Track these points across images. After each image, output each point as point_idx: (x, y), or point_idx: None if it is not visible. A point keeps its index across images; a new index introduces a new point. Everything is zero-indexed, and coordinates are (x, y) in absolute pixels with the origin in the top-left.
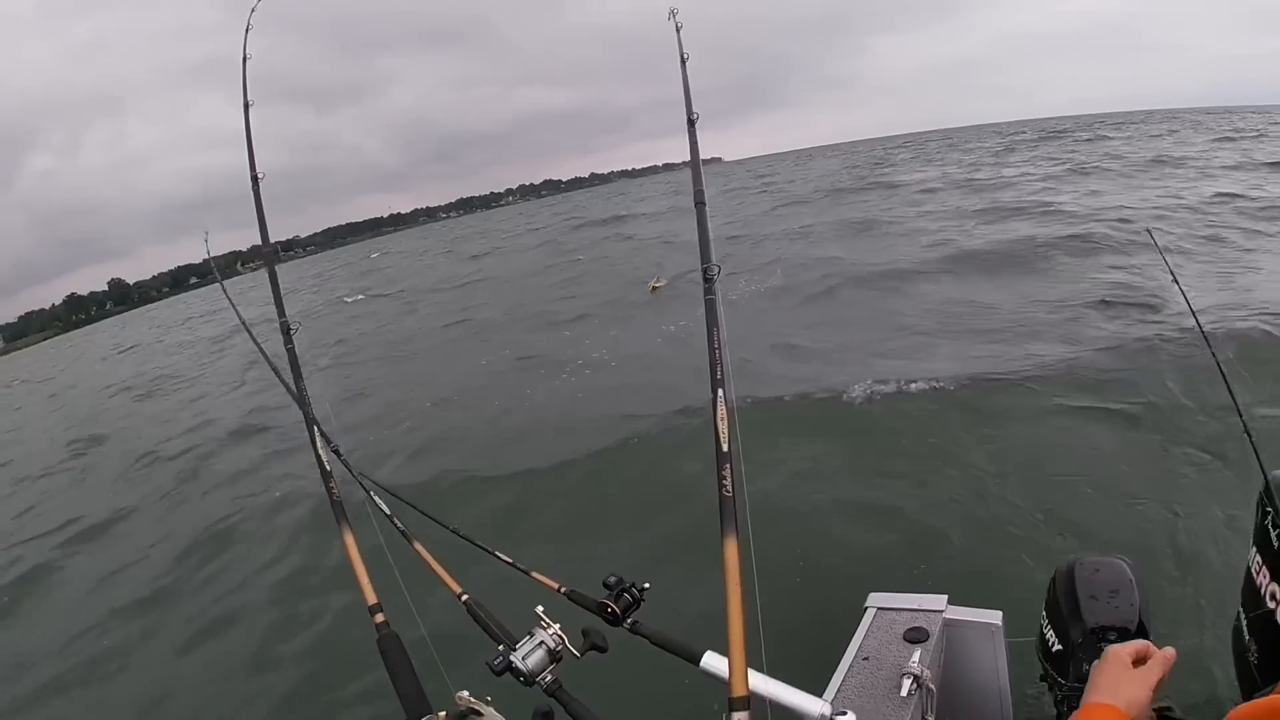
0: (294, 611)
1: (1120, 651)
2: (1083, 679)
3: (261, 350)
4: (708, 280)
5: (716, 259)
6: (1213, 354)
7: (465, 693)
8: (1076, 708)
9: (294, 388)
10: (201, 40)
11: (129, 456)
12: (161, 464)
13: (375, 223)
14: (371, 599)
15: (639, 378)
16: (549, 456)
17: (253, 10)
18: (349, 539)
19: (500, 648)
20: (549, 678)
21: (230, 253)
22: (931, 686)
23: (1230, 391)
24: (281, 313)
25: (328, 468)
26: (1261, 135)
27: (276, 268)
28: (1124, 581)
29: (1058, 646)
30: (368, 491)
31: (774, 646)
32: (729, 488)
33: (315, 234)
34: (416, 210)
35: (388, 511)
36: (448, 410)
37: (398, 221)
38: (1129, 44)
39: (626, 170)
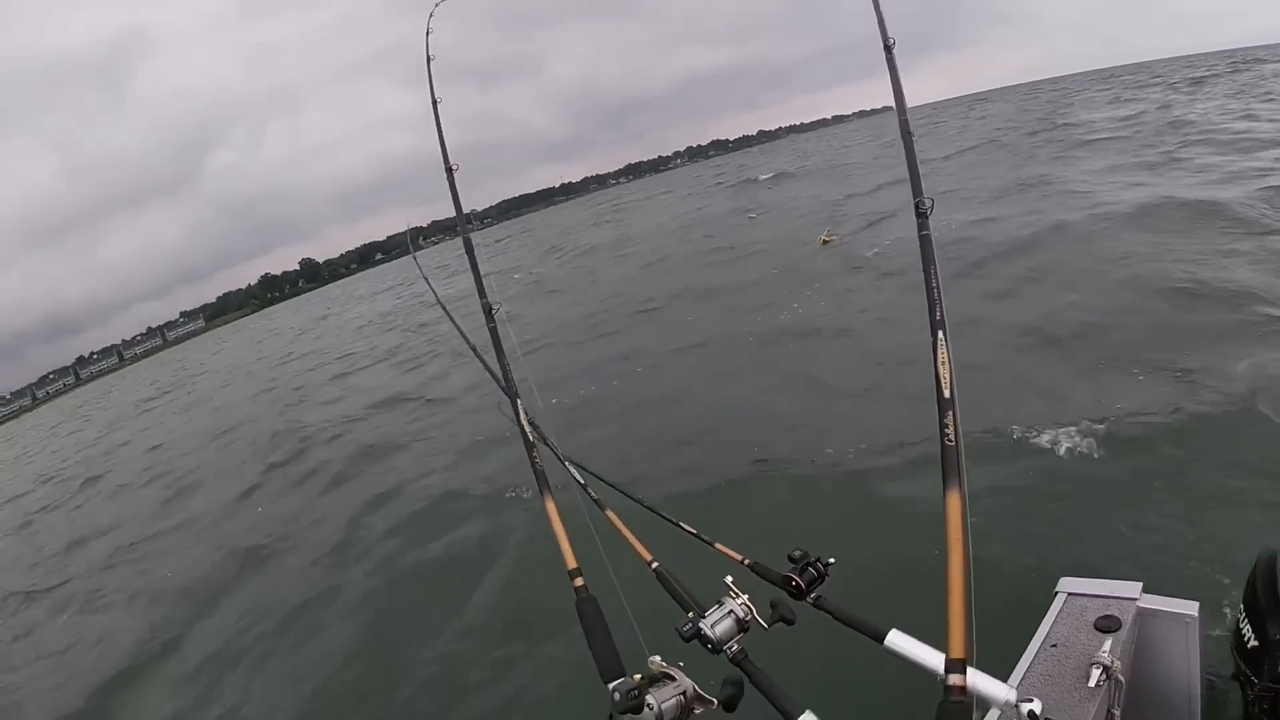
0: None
1: None
2: (1277, 679)
3: (460, 331)
4: (921, 215)
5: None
6: None
7: (658, 657)
8: (1270, 710)
9: (495, 367)
10: (366, 31)
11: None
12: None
13: (547, 193)
14: (571, 563)
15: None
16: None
17: (431, 15)
18: (550, 505)
19: (690, 614)
20: (735, 647)
21: (412, 229)
22: (1121, 678)
23: None
24: (483, 293)
25: (531, 439)
26: None
27: (463, 240)
28: None
29: (1254, 643)
30: (563, 461)
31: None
32: (951, 436)
33: (490, 207)
34: (587, 179)
35: (581, 480)
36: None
37: (569, 190)
38: None
39: (794, 125)
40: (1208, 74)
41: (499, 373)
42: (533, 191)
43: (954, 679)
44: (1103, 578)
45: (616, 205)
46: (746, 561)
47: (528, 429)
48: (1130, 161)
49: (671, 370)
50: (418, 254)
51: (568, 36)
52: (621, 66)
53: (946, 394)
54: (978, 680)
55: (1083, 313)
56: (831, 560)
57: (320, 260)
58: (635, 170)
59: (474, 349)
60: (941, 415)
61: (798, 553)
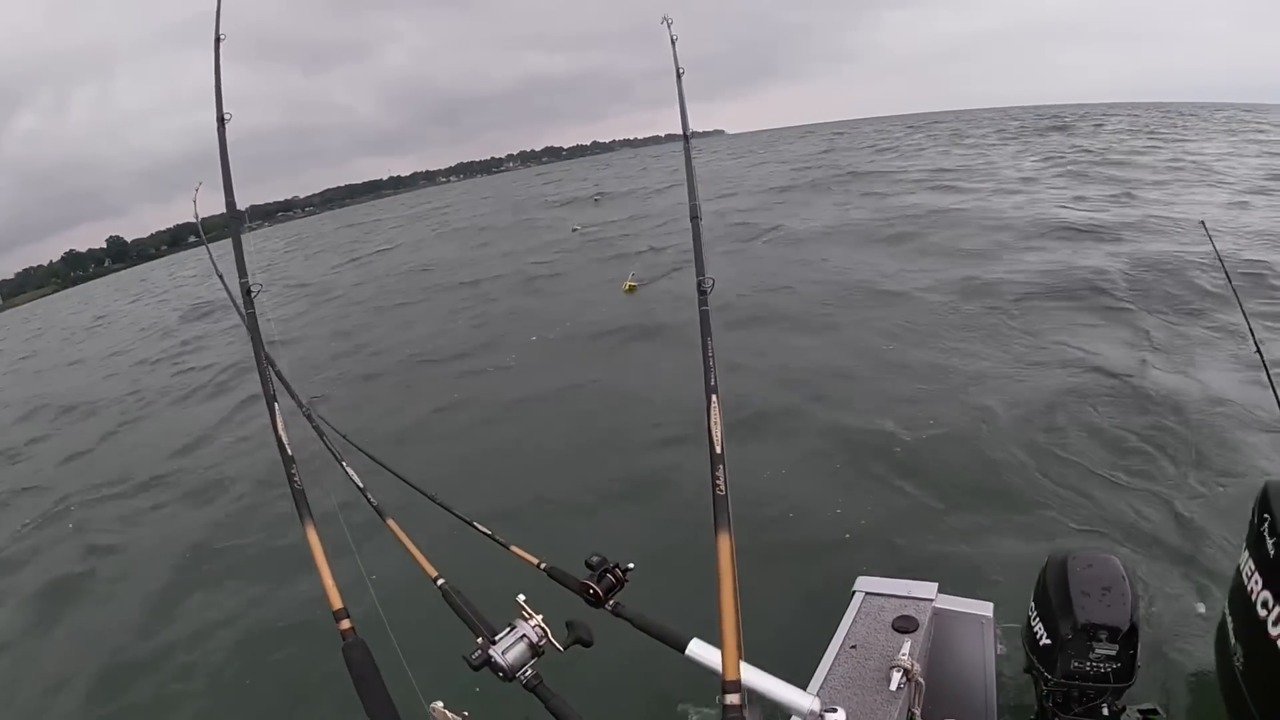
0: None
1: None
2: (1069, 675)
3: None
4: (702, 292)
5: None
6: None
7: (440, 704)
8: (1061, 704)
9: (258, 356)
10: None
11: None
12: None
13: (374, 185)
14: (336, 604)
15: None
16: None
17: None
18: (313, 536)
19: (479, 640)
20: (529, 672)
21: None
22: (920, 681)
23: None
24: (243, 273)
25: (289, 451)
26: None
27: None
28: (1117, 578)
29: (1046, 640)
30: (339, 461)
31: (759, 629)
32: (721, 487)
33: (313, 195)
34: (416, 174)
35: (360, 485)
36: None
37: (397, 184)
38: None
39: (629, 139)
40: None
41: (260, 362)
42: (359, 183)
43: (730, 699)
44: (899, 578)
45: (439, 208)
46: (543, 565)
47: (284, 435)
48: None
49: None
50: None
51: (401, 22)
52: (458, 62)
53: (718, 450)
54: (781, 690)
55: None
56: (630, 565)
57: (129, 239)
58: (467, 170)
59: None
60: (713, 469)
61: (595, 558)
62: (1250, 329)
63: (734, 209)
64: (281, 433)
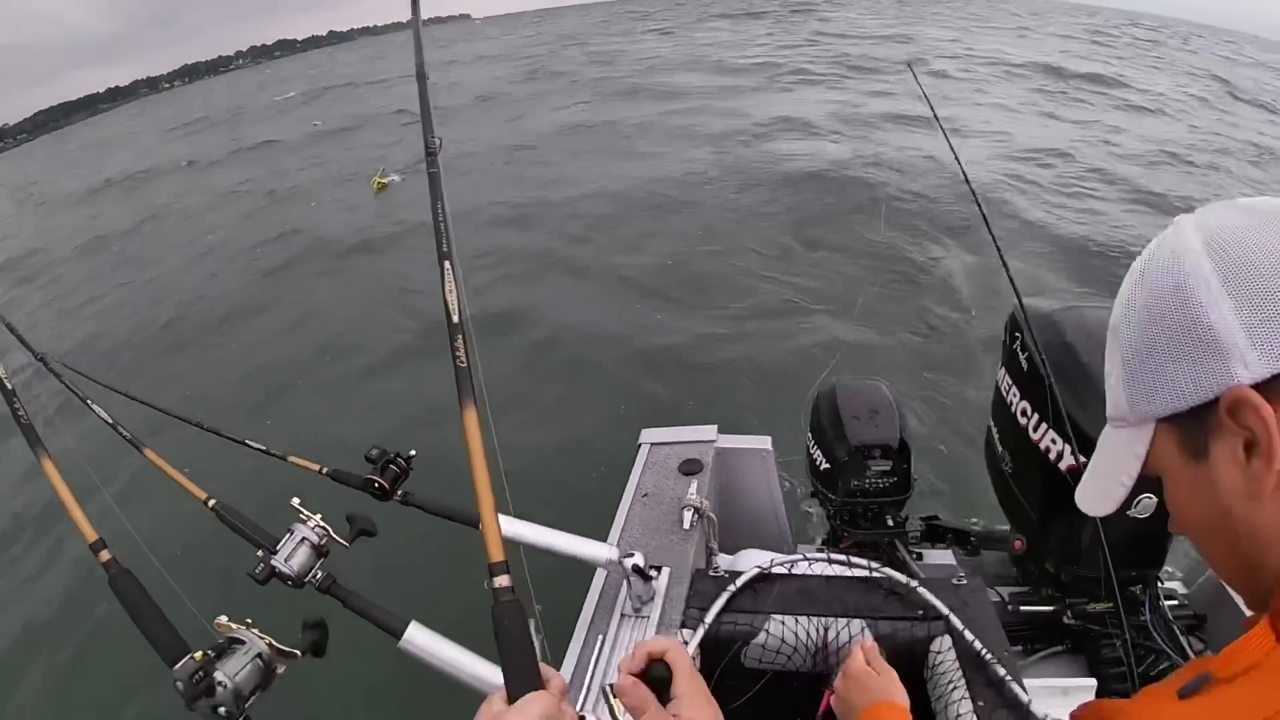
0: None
1: (857, 664)
2: (850, 493)
3: None
4: (430, 153)
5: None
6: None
7: (224, 618)
8: (849, 521)
9: None
10: None
11: None
12: None
13: (91, 100)
14: (91, 536)
15: None
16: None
17: None
18: (50, 468)
19: (259, 553)
20: (319, 574)
21: None
22: (712, 516)
23: (989, 226)
24: None
25: (9, 385)
26: None
27: None
28: (884, 402)
29: (825, 465)
30: (83, 399)
31: (559, 498)
32: (463, 359)
33: (25, 120)
34: (136, 82)
35: (110, 420)
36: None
37: (116, 96)
38: None
39: (368, 27)
40: None
41: None
42: (75, 99)
43: (499, 581)
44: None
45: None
46: (325, 470)
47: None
48: None
49: None
50: None
51: None
52: None
53: (456, 319)
54: (578, 546)
55: None
56: (413, 452)
57: None
58: (192, 72)
59: None
60: (452, 339)
61: (375, 451)
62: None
63: None
64: None
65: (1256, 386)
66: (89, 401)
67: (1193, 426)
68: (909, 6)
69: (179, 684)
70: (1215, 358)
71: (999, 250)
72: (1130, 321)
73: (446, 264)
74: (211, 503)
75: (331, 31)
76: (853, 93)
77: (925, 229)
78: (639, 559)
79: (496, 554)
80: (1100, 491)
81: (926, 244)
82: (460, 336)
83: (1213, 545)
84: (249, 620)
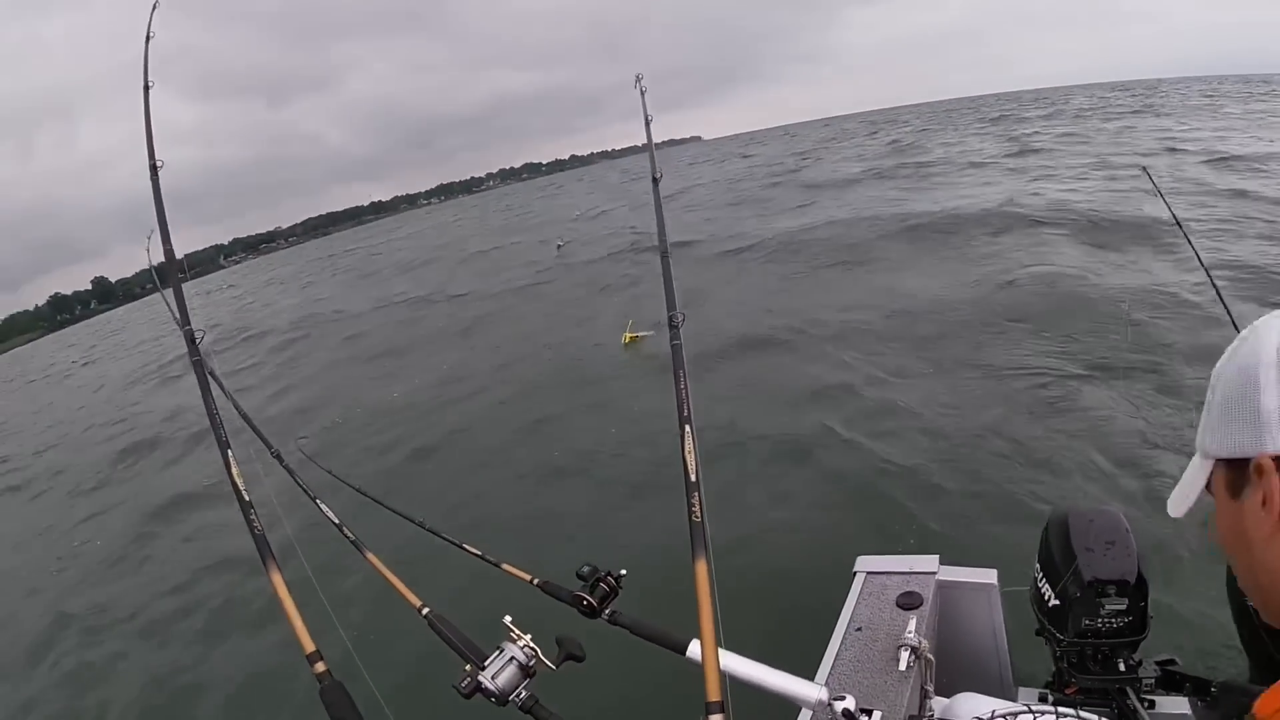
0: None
1: None
2: (1081, 634)
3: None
4: (673, 326)
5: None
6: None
7: None
8: (1077, 663)
9: (207, 403)
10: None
11: None
12: None
13: (356, 211)
14: (309, 646)
15: None
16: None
17: (154, 6)
18: (277, 578)
19: (468, 668)
20: (523, 694)
21: (211, 246)
22: (930, 657)
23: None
24: (185, 321)
25: (246, 497)
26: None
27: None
28: (1119, 531)
29: (1055, 601)
30: (313, 498)
31: (767, 626)
32: (698, 514)
33: (295, 225)
34: (397, 197)
35: (336, 521)
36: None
37: (380, 209)
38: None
39: (606, 151)
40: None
41: (209, 408)
42: (340, 210)
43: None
44: (899, 554)
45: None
46: (536, 581)
47: (239, 481)
48: None
49: None
50: (219, 273)
51: (360, 51)
52: (423, 85)
53: (693, 478)
54: (786, 683)
55: None
56: (623, 572)
57: (114, 279)
58: (447, 190)
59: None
60: (689, 495)
61: (586, 569)
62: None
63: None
64: (236, 478)
65: (1279, 458)
66: (318, 501)
67: (1236, 473)
68: None
69: None
70: (1255, 430)
71: None
72: (1217, 383)
73: (687, 428)
74: (425, 611)
75: (573, 155)
76: None
77: None
78: (850, 703)
79: (714, 694)
80: (1178, 498)
81: None
82: (696, 494)
83: (1238, 562)
84: None
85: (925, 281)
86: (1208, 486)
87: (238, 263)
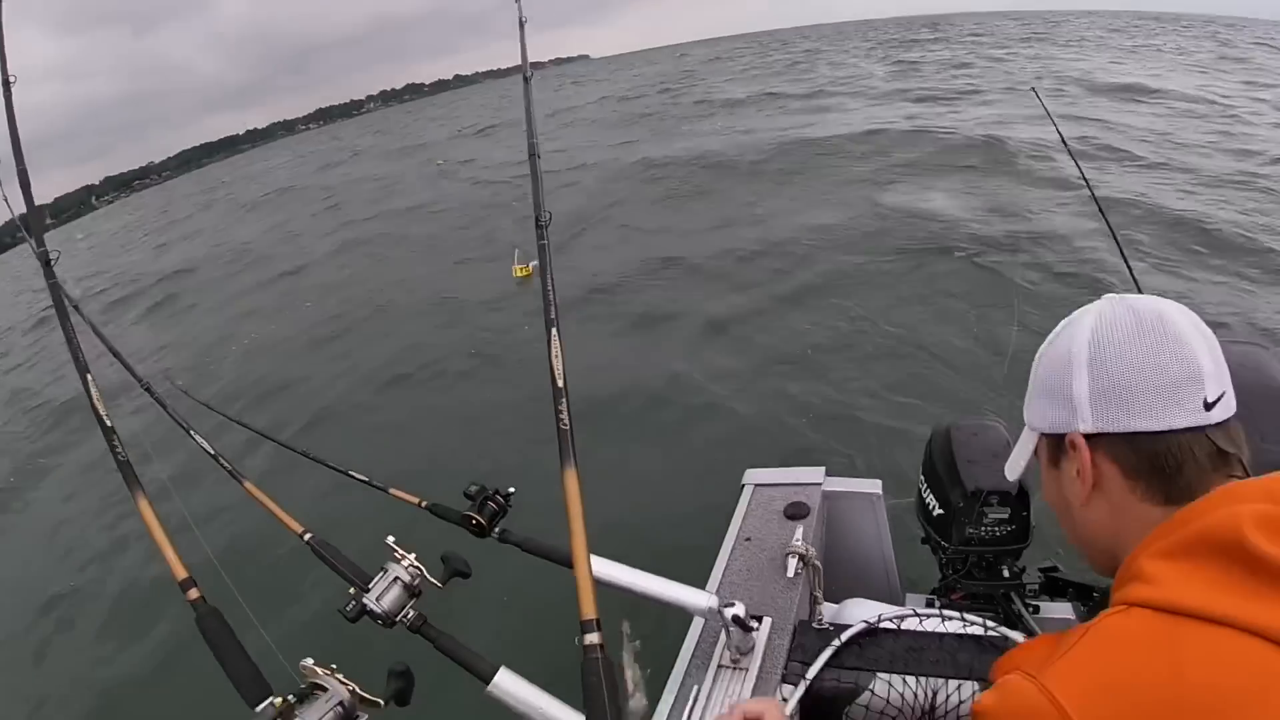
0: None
1: None
2: (966, 541)
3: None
4: (540, 226)
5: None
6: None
7: (309, 661)
8: (962, 570)
9: (66, 329)
10: None
11: None
12: None
13: (231, 141)
14: (181, 573)
15: None
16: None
17: None
18: (144, 505)
19: (351, 591)
20: (410, 614)
21: (82, 188)
22: (818, 564)
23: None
24: (40, 242)
25: (108, 423)
26: None
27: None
28: (1001, 444)
29: (939, 511)
30: (186, 429)
31: (657, 539)
32: (565, 421)
33: (169, 159)
34: (274, 124)
35: (211, 451)
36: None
37: (255, 138)
38: None
39: (492, 70)
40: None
41: (68, 335)
42: (216, 140)
43: (589, 638)
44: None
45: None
46: (424, 504)
47: (100, 406)
48: None
49: None
50: (87, 217)
51: None
52: (298, 5)
53: (560, 384)
54: (678, 592)
55: None
56: (512, 490)
57: None
58: (326, 115)
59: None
60: (556, 403)
61: (474, 488)
62: None
63: None
64: (97, 402)
65: (1088, 436)
66: (191, 431)
67: (1055, 445)
68: None
69: None
70: (1068, 410)
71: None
72: (1038, 365)
73: (554, 330)
74: (308, 537)
75: (457, 75)
76: None
77: None
78: (739, 609)
79: (588, 612)
80: (1013, 464)
81: None
82: (563, 400)
83: (1062, 522)
84: (334, 665)
85: (800, 208)
86: (1036, 454)
87: (110, 203)
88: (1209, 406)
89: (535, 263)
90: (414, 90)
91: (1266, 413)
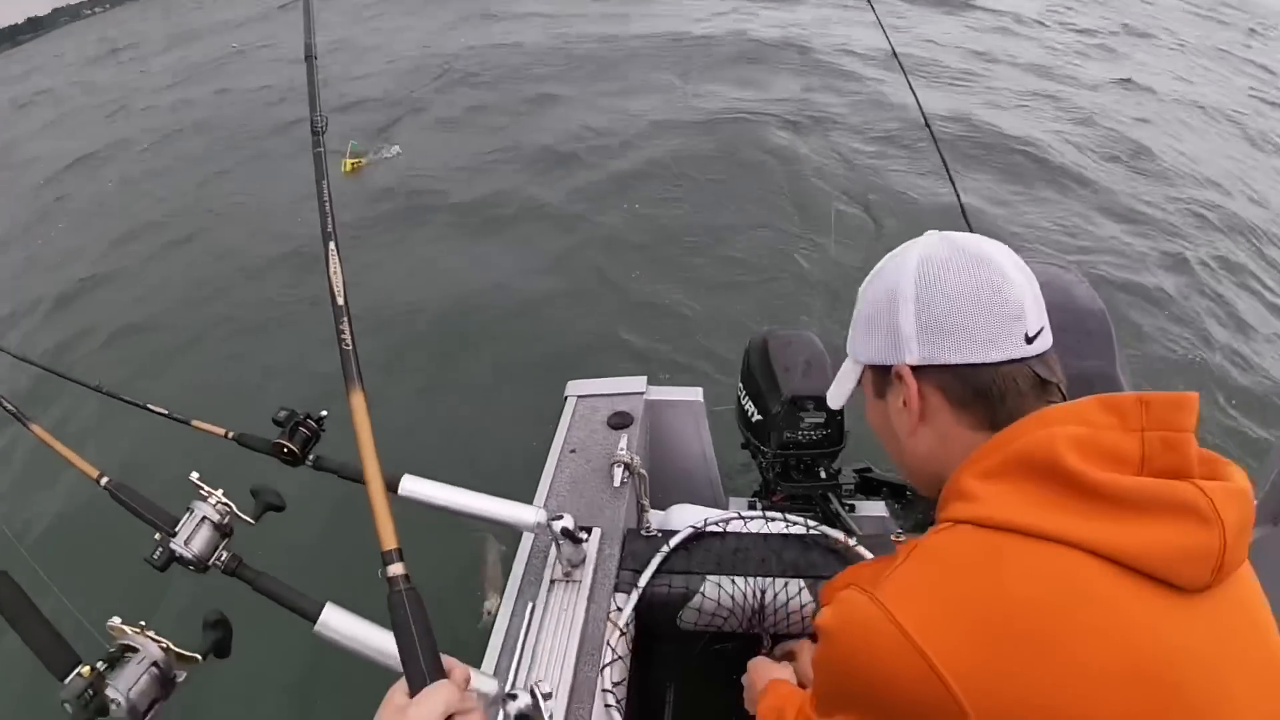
0: None
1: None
2: (784, 445)
3: None
4: (315, 133)
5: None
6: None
7: (116, 620)
8: (781, 473)
9: None
10: None
11: None
12: None
13: (11, 32)
14: None
15: None
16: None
17: None
18: None
19: (157, 536)
20: (224, 555)
21: None
22: (644, 472)
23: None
24: None
25: None
26: None
27: None
28: (815, 352)
29: (758, 417)
30: None
31: (483, 458)
32: (348, 340)
33: None
34: (56, 10)
35: None
36: None
37: (37, 26)
38: None
39: None
40: None
41: None
42: None
43: (394, 569)
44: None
45: None
46: (231, 434)
47: None
48: None
49: None
50: None
51: None
52: None
53: (340, 302)
54: (503, 509)
55: None
56: (324, 413)
57: None
58: None
59: None
60: (337, 321)
61: (283, 413)
62: None
63: None
64: None
65: (915, 368)
66: None
67: (880, 376)
68: None
69: (67, 705)
70: (894, 343)
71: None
72: (864, 297)
73: (331, 245)
74: (104, 481)
75: None
76: None
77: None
78: (568, 521)
79: (389, 542)
80: (835, 393)
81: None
82: (345, 319)
83: (889, 449)
84: (143, 623)
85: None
86: (859, 383)
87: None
88: (1029, 340)
89: (369, 156)
90: None
91: (1066, 328)
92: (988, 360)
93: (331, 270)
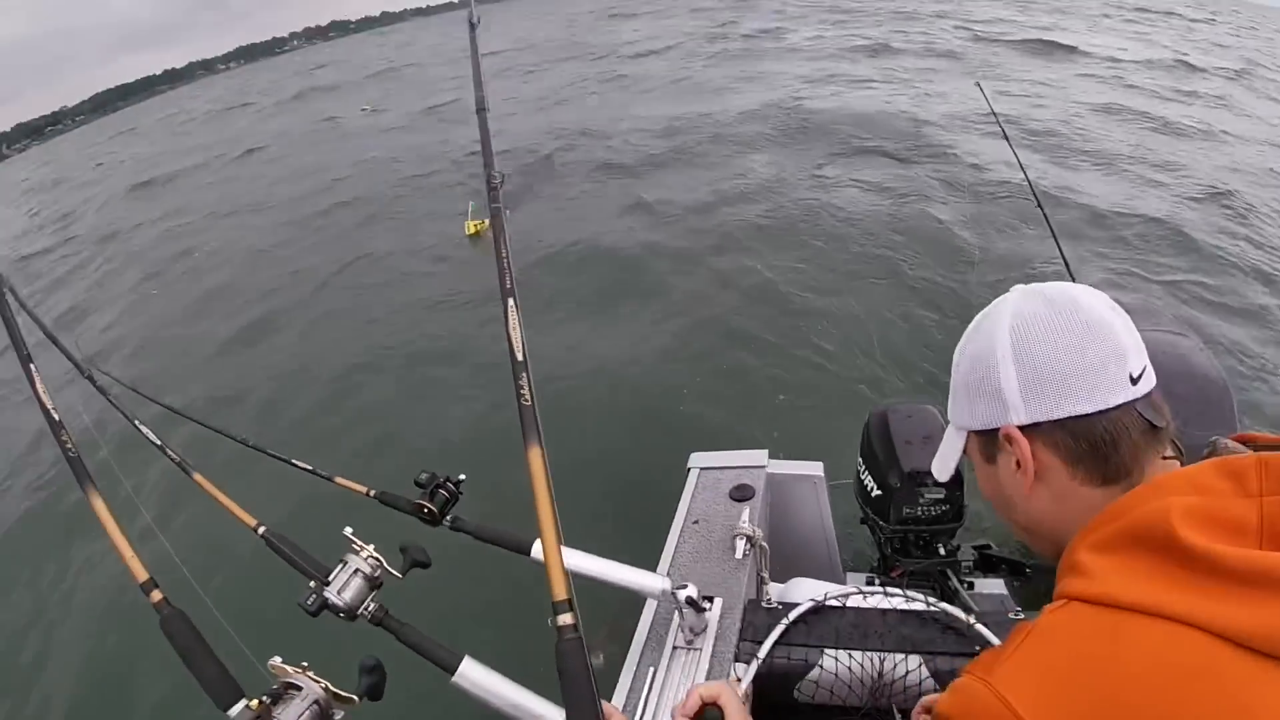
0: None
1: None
2: (903, 521)
3: None
4: (492, 189)
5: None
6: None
7: (278, 659)
8: (900, 549)
9: (3, 315)
10: None
11: None
12: None
13: (149, 82)
14: (142, 575)
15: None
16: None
17: None
18: (99, 505)
19: (312, 584)
20: (371, 606)
21: None
22: (765, 545)
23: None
24: None
25: (56, 416)
26: None
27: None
28: (936, 427)
29: (877, 491)
30: (130, 419)
31: (609, 526)
32: (527, 397)
33: (82, 102)
34: (192, 64)
35: (158, 442)
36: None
37: (174, 78)
38: None
39: (420, 8)
40: None
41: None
42: (132, 81)
43: (563, 619)
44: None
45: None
46: (372, 493)
47: (47, 399)
48: None
49: None
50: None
51: None
52: None
53: (520, 358)
54: (632, 576)
55: None
56: (463, 477)
57: None
58: (248, 54)
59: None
60: (516, 378)
61: (425, 475)
62: None
63: None
64: (42, 394)
65: (1024, 427)
66: (137, 423)
67: (987, 441)
68: None
69: None
70: (1000, 405)
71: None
72: (960, 364)
73: (510, 301)
74: (262, 530)
75: (385, 12)
76: None
77: None
78: (692, 590)
79: (560, 593)
80: (940, 464)
81: None
82: (524, 375)
83: (1003, 516)
84: (305, 664)
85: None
86: (965, 452)
87: (22, 150)
88: (1135, 381)
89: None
90: (339, 28)
91: (1186, 398)
92: (1096, 409)
93: (510, 326)
